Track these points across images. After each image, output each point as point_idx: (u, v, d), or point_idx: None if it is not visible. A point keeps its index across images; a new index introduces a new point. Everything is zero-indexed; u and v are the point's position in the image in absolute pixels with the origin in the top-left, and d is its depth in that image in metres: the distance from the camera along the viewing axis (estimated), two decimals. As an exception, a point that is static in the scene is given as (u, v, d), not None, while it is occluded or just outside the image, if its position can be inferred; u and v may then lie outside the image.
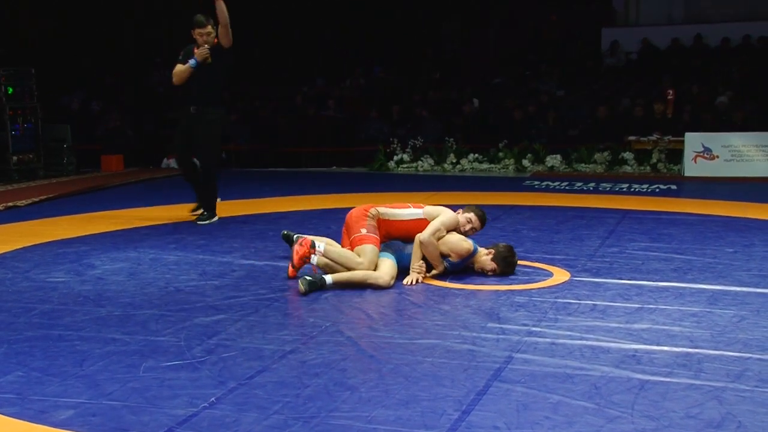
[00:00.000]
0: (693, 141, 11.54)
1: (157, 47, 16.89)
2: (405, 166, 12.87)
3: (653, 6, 18.33)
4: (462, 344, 3.85)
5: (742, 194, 9.30)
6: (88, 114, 14.87)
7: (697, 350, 3.71)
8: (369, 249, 5.07)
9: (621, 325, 4.12)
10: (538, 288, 4.95)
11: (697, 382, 3.31)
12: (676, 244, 6.21)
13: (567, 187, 10.30)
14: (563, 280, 5.12)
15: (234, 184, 10.67)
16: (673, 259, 5.65)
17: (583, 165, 12.21)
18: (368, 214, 5.26)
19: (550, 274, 5.29)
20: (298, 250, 5.08)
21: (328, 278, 4.92)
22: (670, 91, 12.56)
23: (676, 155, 11.86)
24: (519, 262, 5.45)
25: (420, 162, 12.84)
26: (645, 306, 4.49)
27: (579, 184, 10.60)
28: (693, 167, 11.43)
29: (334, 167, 13.39)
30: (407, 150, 12.93)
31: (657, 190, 9.96)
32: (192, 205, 7.78)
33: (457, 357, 3.67)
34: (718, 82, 14.37)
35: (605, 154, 12.17)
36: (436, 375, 3.44)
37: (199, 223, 7.42)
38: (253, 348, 3.81)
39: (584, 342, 3.86)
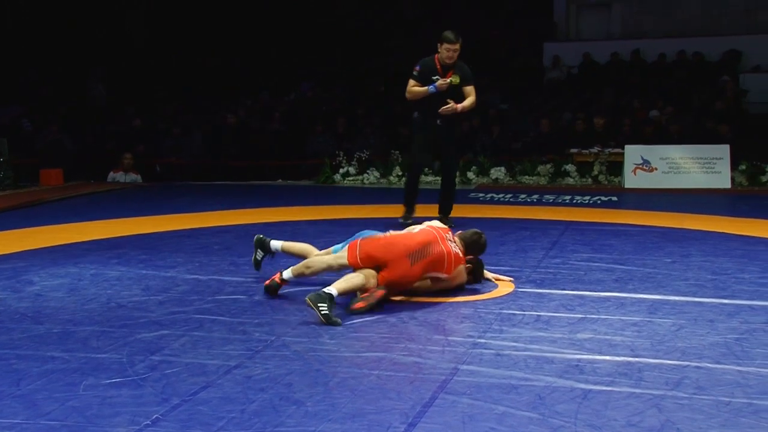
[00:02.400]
0: (632, 153, 11.80)
1: (98, 58, 16.63)
2: (351, 178, 12.88)
3: (593, 21, 18.74)
4: (408, 356, 3.86)
5: (679, 205, 9.52)
6: (20, 128, 14.57)
7: (637, 359, 3.78)
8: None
9: (564, 336, 4.17)
10: (483, 299, 4.99)
11: (638, 391, 3.37)
12: (617, 255, 6.32)
13: (511, 199, 10.41)
14: (508, 292, 5.17)
15: (178, 198, 10.55)
16: (615, 270, 5.75)
17: (526, 177, 12.38)
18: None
19: (494, 286, 5.34)
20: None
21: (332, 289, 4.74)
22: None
23: (616, 167, 12.11)
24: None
25: (366, 175, 12.86)
26: (587, 316, 4.56)
27: (523, 196, 10.73)
28: (633, 179, 11.67)
29: (280, 180, 13.33)
30: (353, 163, 12.94)
31: (598, 201, 10.14)
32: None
33: (403, 369, 3.67)
34: (656, 95, 14.73)
35: (548, 166, 12.36)
36: (382, 388, 3.43)
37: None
38: (197, 363, 3.75)
39: (529, 353, 3.90)
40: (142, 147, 13.92)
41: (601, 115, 13.63)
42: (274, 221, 8.41)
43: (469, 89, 7.59)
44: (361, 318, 4.56)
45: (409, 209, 8.01)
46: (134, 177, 12.99)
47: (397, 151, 13.00)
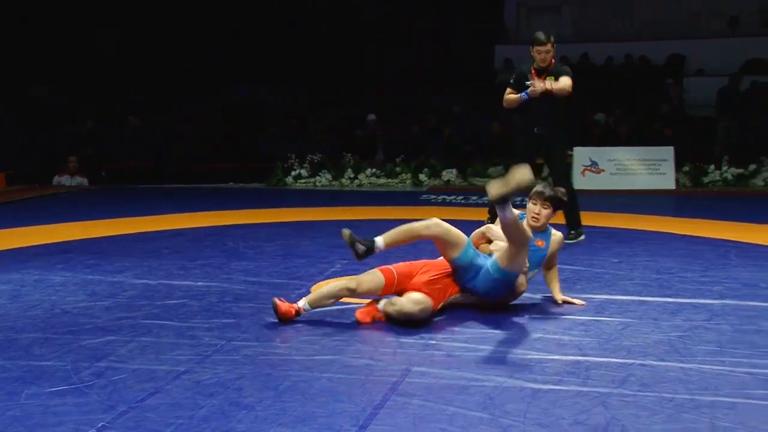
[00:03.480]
0: (581, 155, 11.97)
1: (48, 58, 16.32)
2: (303, 181, 12.86)
3: (542, 24, 18.93)
4: (359, 359, 3.86)
5: (626, 206, 9.69)
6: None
7: (585, 358, 3.84)
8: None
9: (514, 336, 4.21)
10: (435, 301, 5.00)
11: (585, 389, 3.42)
12: (565, 256, 6.39)
13: (462, 201, 10.49)
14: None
15: (128, 201, 10.41)
16: (563, 270, 5.81)
17: (478, 179, 12.48)
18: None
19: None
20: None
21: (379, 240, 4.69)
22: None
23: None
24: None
25: (318, 177, 12.84)
26: (536, 316, 4.61)
27: (474, 197, 10.81)
28: (582, 180, 11.85)
29: (231, 183, 13.24)
30: (305, 165, 12.91)
31: (548, 203, 10.24)
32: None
33: (354, 372, 3.67)
34: (604, 98, 14.97)
35: (499, 168, 12.48)
36: (333, 391, 3.43)
37: (566, 241, 7.15)
38: (145, 369, 3.71)
39: (479, 353, 3.93)
40: (91, 150, 13.70)
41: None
42: (225, 224, 8.35)
43: (564, 78, 6.87)
44: (312, 320, 4.54)
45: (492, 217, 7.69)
46: (80, 180, 12.78)
47: (350, 154, 13.02)
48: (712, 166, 12.11)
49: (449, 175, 12.56)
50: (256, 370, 3.70)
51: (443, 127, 14.14)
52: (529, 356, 3.87)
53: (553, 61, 7.02)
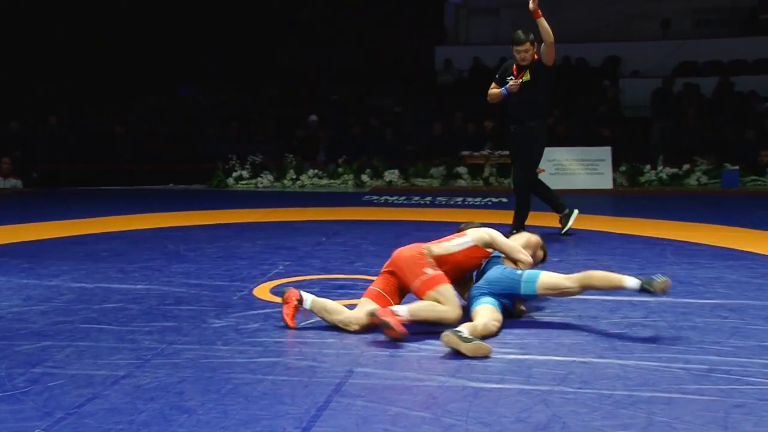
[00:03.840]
0: (522, 156, 12.10)
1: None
2: (244, 182, 12.75)
3: (482, 26, 19.17)
4: (302, 360, 3.84)
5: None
6: None
7: (526, 356, 3.88)
8: (446, 290, 4.33)
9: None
10: (378, 301, 5.01)
11: (527, 387, 3.46)
12: (507, 255, 6.47)
13: (405, 201, 10.53)
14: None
15: (64, 203, 10.18)
16: (505, 269, 5.88)
17: (420, 179, 12.54)
18: (423, 253, 4.50)
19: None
20: (287, 311, 4.42)
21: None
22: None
23: (506, 169, 12.40)
24: (360, 276, 5.56)
25: (259, 178, 12.76)
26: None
27: (416, 198, 10.87)
28: (522, 181, 11.97)
29: (171, 185, 13.06)
30: (246, 166, 12.81)
31: (489, 202, 10.37)
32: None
33: (297, 374, 3.65)
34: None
35: (441, 168, 12.56)
36: (276, 393, 3.41)
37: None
38: (82, 375, 3.62)
39: (422, 353, 3.94)
40: (19, 151, 13.35)
41: (491, 118, 13.93)
42: (165, 226, 8.23)
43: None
44: (256, 323, 4.51)
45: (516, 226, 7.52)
46: (14, 182, 12.47)
47: (291, 155, 12.96)
48: (648, 166, 12.39)
49: (391, 175, 12.59)
50: (197, 373, 3.66)
51: (385, 127, 14.17)
52: (472, 356, 3.89)
53: (536, 57, 7.09)
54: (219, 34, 17.59)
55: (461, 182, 12.40)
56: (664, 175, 12.24)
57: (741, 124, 13.51)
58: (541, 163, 11.81)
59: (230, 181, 12.76)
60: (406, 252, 4.53)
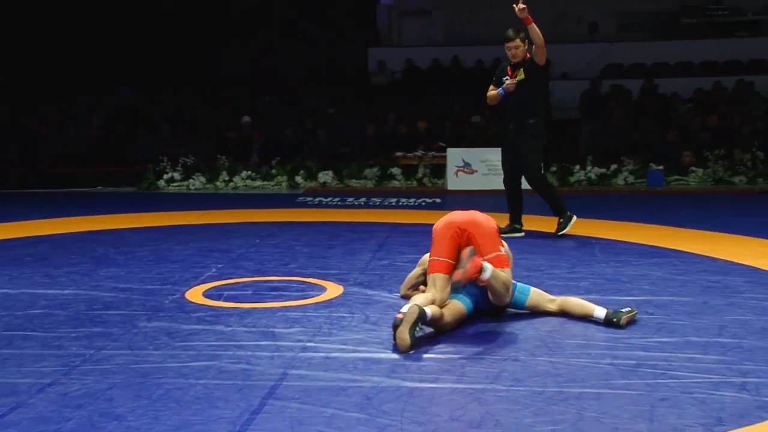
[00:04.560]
0: (454, 156, 12.24)
1: None
2: (176, 184, 12.57)
3: (415, 28, 19.30)
4: (236, 364, 3.81)
5: (498, 206, 9.94)
6: None
7: (460, 355, 3.92)
8: (507, 273, 4.40)
9: (392, 336, 4.24)
10: (313, 303, 5.00)
11: (461, 386, 3.50)
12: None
13: (339, 203, 10.53)
14: (337, 295, 5.21)
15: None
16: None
17: (354, 181, 12.56)
18: (496, 229, 4.53)
19: (324, 289, 5.37)
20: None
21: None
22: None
23: (440, 170, 12.51)
24: (294, 278, 5.55)
25: (191, 180, 12.59)
26: (413, 315, 4.67)
27: (350, 199, 10.88)
28: (455, 181, 12.11)
29: (100, 187, 12.78)
30: (178, 168, 12.63)
31: (423, 203, 10.45)
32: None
33: (231, 377, 3.62)
34: (475, 100, 15.35)
35: (375, 169, 12.59)
36: (209, 397, 3.37)
37: (559, 233, 7.15)
38: (6, 383, 3.52)
39: (357, 354, 3.95)
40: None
41: (424, 119, 14.03)
42: (93, 230, 8.06)
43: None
44: (188, 327, 4.45)
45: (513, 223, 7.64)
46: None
47: (224, 156, 12.83)
48: (578, 166, 12.64)
49: (325, 176, 12.57)
50: (127, 379, 3.59)
51: (319, 128, 14.14)
52: (406, 355, 3.91)
53: (528, 55, 7.23)
54: (149, 34, 17.29)
55: (395, 183, 12.46)
56: (592, 175, 12.51)
57: (665, 125, 13.89)
58: (473, 163, 12.12)
59: (161, 183, 12.57)
60: (483, 220, 4.50)
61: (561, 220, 7.44)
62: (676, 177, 12.30)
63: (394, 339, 3.99)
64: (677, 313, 4.63)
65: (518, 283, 4.66)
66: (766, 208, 9.78)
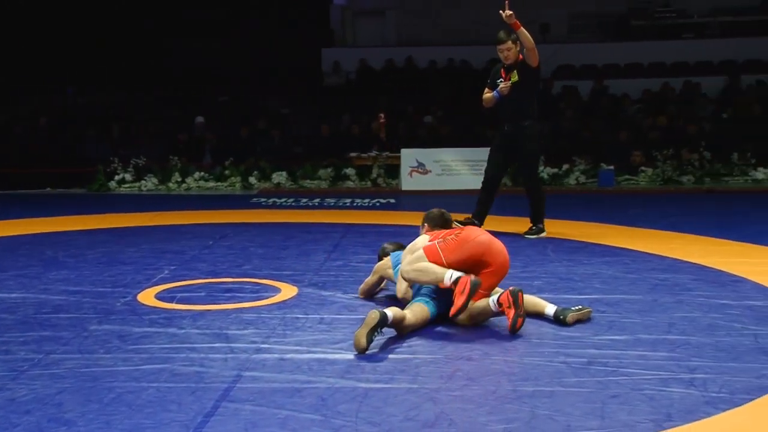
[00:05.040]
0: (408, 157, 12.27)
1: None
2: (127, 185, 12.40)
3: (368, 28, 19.31)
4: (189, 366, 3.77)
5: (452, 206, 9.97)
6: None
7: (414, 356, 3.93)
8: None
9: (347, 336, 4.24)
10: (267, 304, 4.98)
11: (415, 386, 3.51)
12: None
13: (293, 203, 10.49)
14: (291, 296, 5.19)
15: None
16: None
17: (308, 181, 12.52)
18: None
19: (278, 290, 5.34)
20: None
21: None
22: (382, 115, 13.24)
23: (394, 170, 12.54)
24: (248, 280, 5.53)
25: (143, 181, 12.43)
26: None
27: (305, 200, 10.84)
28: (409, 181, 12.15)
29: (49, 189, 12.55)
30: (129, 169, 12.47)
31: (378, 203, 10.46)
32: (518, 220, 7.59)
33: (184, 380, 3.58)
34: (429, 100, 15.43)
35: (329, 170, 12.57)
36: (162, 400, 3.33)
37: (528, 236, 6.98)
38: (-47, 390, 3.44)
39: (312, 355, 3.94)
40: None
41: (375, 120, 14.05)
42: (42, 232, 7.91)
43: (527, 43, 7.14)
44: (140, 329, 4.39)
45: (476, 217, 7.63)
46: None
47: (176, 157, 12.69)
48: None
49: (279, 177, 12.51)
50: (78, 383, 3.53)
51: (272, 129, 14.07)
52: (361, 356, 3.92)
53: (521, 57, 7.32)
54: (99, 34, 17.03)
55: (349, 183, 12.45)
56: (545, 175, 12.64)
57: (615, 125, 14.11)
58: (427, 164, 12.17)
59: (112, 184, 12.39)
60: (505, 258, 4.54)
61: (534, 227, 7.53)
62: (627, 177, 12.50)
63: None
64: (628, 311, 4.71)
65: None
66: (713, 207, 10.00)
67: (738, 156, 12.32)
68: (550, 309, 4.53)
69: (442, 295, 4.46)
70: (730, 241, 7.10)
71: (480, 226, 7.55)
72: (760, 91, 15.43)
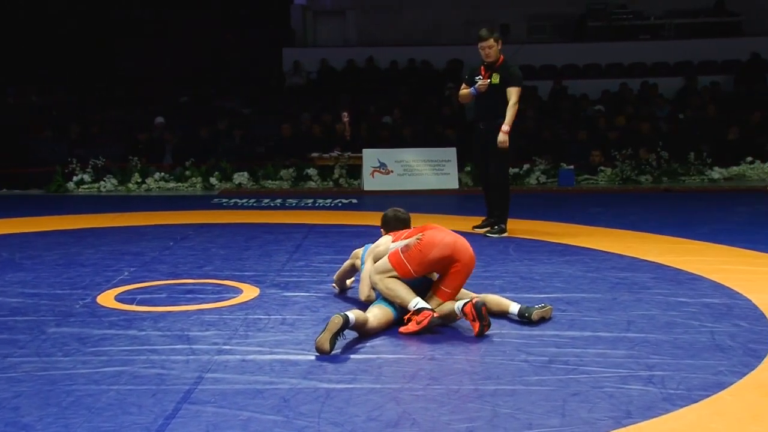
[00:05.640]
0: (370, 157, 12.27)
1: None
2: (86, 186, 12.22)
3: (329, 28, 19.27)
4: (150, 369, 3.74)
5: (414, 206, 10.00)
6: None
7: (377, 356, 3.94)
8: None
9: (309, 337, 4.23)
10: (229, 305, 4.95)
11: (378, 386, 3.51)
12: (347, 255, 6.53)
13: (255, 204, 10.43)
14: (253, 296, 5.16)
15: None
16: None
17: (270, 182, 12.45)
18: None
19: (240, 291, 5.31)
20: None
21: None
22: (345, 113, 13.23)
23: (356, 170, 12.53)
24: (210, 281, 5.50)
25: (103, 182, 12.26)
26: (331, 316, 4.66)
27: (266, 200, 10.79)
28: (371, 182, 12.14)
29: (5, 190, 12.32)
30: (88, 170, 12.29)
31: (340, 204, 10.45)
32: (479, 220, 7.71)
33: (144, 382, 3.55)
34: (390, 101, 15.44)
35: (291, 170, 12.52)
36: (122, 403, 3.30)
37: (489, 236, 6.90)
38: None
39: (274, 356, 3.93)
40: None
41: (338, 120, 14.03)
42: (-2, 234, 7.77)
43: (511, 91, 7.29)
44: (100, 332, 4.34)
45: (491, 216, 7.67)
46: None
47: (136, 158, 12.54)
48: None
49: (241, 178, 12.43)
50: (35, 387, 3.48)
51: (233, 129, 13.97)
52: (324, 357, 3.91)
53: (501, 57, 7.39)
54: (56, 33, 16.78)
55: (311, 184, 12.41)
56: (506, 175, 12.72)
57: (574, 125, 14.25)
58: (389, 164, 12.18)
59: (71, 185, 12.19)
60: (471, 256, 4.53)
61: (497, 226, 7.55)
62: (586, 176, 12.63)
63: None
64: (588, 309, 4.77)
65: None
66: (670, 206, 10.15)
67: (694, 156, 12.52)
68: (514, 308, 4.57)
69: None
70: (688, 240, 7.22)
71: (505, 229, 7.58)
72: (715, 92, 15.70)
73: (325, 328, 3.97)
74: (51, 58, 16.61)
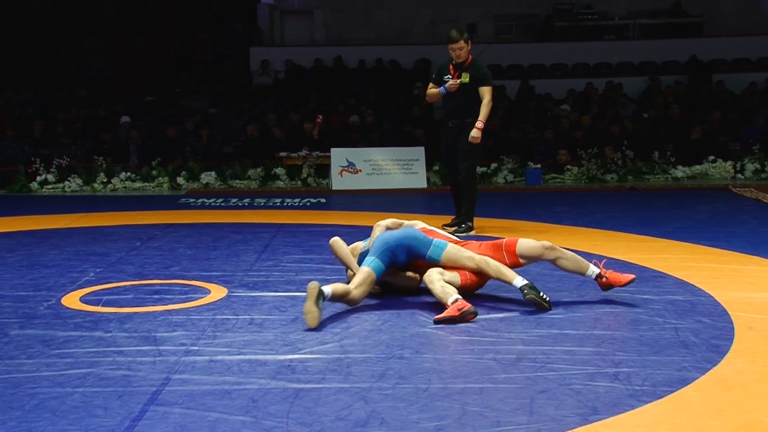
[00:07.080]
0: (339, 156, 12.27)
1: None
2: (50, 187, 12.06)
3: (297, 27, 19.23)
4: (116, 370, 3.70)
5: (382, 205, 10.06)
6: None
7: (346, 355, 3.94)
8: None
9: (277, 337, 4.23)
10: (196, 306, 4.92)
11: (346, 385, 3.51)
12: (327, 255, 6.50)
13: (222, 204, 10.37)
14: (221, 297, 5.14)
15: None
16: (325, 269, 5.94)
17: (237, 181, 12.39)
18: None
19: (207, 292, 5.28)
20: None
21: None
22: (320, 117, 13.21)
23: (324, 170, 12.51)
24: (177, 281, 5.50)
25: (67, 182, 12.12)
26: (300, 316, 4.63)
27: (234, 200, 10.73)
28: (340, 181, 12.14)
29: (-35, 190, 12.13)
30: (52, 170, 12.13)
31: (308, 203, 10.42)
32: (449, 219, 7.76)
33: (111, 384, 3.51)
34: (358, 100, 15.44)
35: (258, 170, 12.46)
36: (87, 405, 3.26)
37: (456, 234, 6.58)
38: None
39: (242, 356, 3.91)
40: None
41: (307, 119, 13.99)
42: (-41, 235, 7.63)
43: (483, 90, 7.42)
44: (65, 333, 4.28)
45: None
46: None
47: (101, 157, 12.41)
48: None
49: (208, 177, 12.35)
50: (-2, 391, 3.43)
51: (200, 129, 13.88)
52: (292, 357, 3.91)
53: (470, 57, 7.49)
54: (19, 33, 16.55)
55: (280, 183, 12.37)
56: (473, 174, 12.78)
57: (541, 125, 14.36)
58: (357, 163, 12.19)
59: (34, 185, 12.03)
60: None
61: (464, 224, 7.63)
62: (553, 175, 12.73)
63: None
64: (555, 307, 4.80)
65: (434, 239, 4.92)
66: (635, 204, 10.26)
67: (658, 155, 12.68)
68: (518, 281, 4.71)
69: (394, 246, 4.77)
70: (652, 238, 7.31)
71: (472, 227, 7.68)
72: (678, 92, 15.91)
73: (306, 297, 4.29)
74: (16, 56, 16.38)
